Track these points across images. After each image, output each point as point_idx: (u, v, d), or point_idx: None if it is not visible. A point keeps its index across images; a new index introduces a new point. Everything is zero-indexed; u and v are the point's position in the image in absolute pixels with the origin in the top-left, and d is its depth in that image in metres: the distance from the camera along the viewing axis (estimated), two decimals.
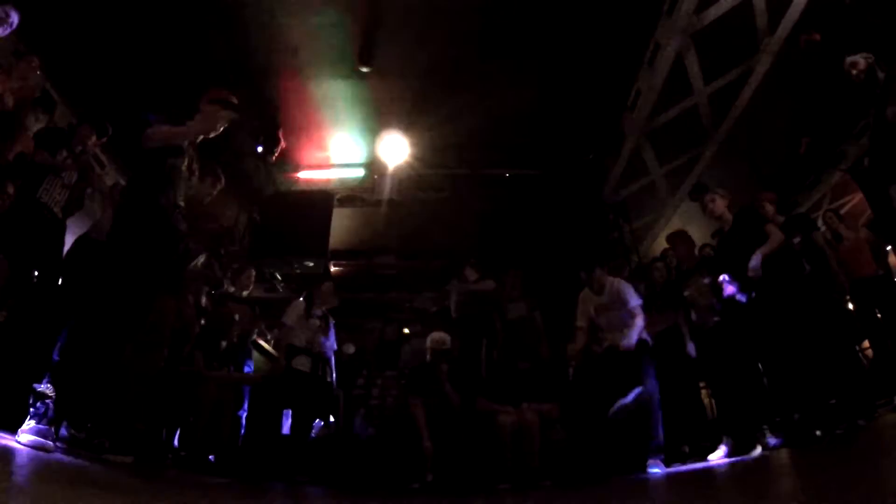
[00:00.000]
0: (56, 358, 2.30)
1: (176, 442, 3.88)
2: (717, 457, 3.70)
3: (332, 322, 4.60)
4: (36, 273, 3.42)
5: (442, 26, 5.73)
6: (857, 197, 6.73)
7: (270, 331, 5.31)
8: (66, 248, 3.60)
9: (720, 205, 3.93)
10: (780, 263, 3.59)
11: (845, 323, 4.06)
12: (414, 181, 7.87)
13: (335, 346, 4.58)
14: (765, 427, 3.72)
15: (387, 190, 7.74)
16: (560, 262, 6.94)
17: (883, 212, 3.43)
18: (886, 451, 2.19)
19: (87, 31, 5.03)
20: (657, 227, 8.12)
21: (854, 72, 3.50)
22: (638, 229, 8.15)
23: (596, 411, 4.17)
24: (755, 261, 3.46)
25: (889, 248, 4.65)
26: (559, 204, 7.45)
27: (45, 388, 2.16)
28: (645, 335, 4.08)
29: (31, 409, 2.14)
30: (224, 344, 4.28)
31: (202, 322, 4.54)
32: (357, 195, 8.10)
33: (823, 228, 4.73)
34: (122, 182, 4.95)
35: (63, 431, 2.23)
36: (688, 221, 8.06)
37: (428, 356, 4.57)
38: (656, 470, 3.56)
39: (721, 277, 3.95)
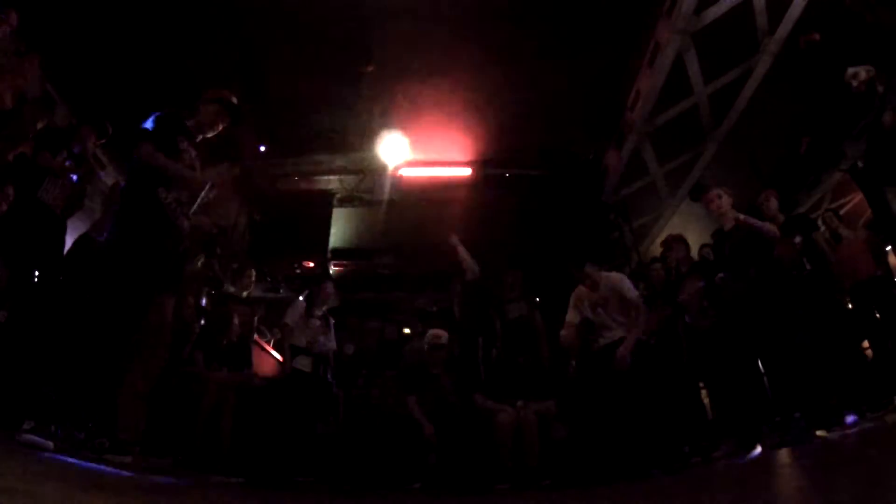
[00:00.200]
0: (56, 358, 2.30)
1: (176, 442, 3.87)
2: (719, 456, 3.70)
3: (332, 322, 4.60)
4: (36, 273, 3.43)
5: (442, 26, 5.74)
6: (857, 197, 6.73)
7: (271, 331, 5.31)
8: (66, 247, 3.60)
9: (726, 202, 3.91)
10: (783, 262, 3.60)
11: (846, 322, 4.04)
12: (414, 181, 7.88)
13: (335, 347, 4.57)
14: (764, 427, 3.73)
15: (387, 190, 7.74)
16: (560, 262, 6.94)
17: (881, 212, 3.47)
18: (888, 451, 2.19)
19: (86, 32, 5.03)
20: (657, 227, 8.13)
21: (855, 83, 3.55)
22: (638, 229, 8.15)
23: (596, 410, 4.17)
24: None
25: (889, 248, 4.65)
26: (559, 204, 7.45)
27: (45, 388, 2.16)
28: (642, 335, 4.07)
29: (32, 409, 2.14)
30: (224, 344, 4.28)
31: (202, 322, 4.54)
32: (357, 195, 8.11)
33: (823, 228, 4.73)
34: (122, 182, 4.94)
35: (63, 431, 2.23)
36: (688, 221, 8.06)
37: (425, 353, 4.59)
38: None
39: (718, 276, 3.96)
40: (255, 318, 5.04)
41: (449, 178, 8.04)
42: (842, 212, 6.56)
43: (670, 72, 5.81)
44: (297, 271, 7.60)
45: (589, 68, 6.33)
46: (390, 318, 9.02)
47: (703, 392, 4.68)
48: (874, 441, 2.51)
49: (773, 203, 4.14)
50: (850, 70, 3.56)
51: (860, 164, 3.65)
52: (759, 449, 3.52)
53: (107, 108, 4.46)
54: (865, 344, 4.42)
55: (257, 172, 7.81)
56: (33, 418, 2.14)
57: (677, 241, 4.76)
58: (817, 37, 4.45)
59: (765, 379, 4.06)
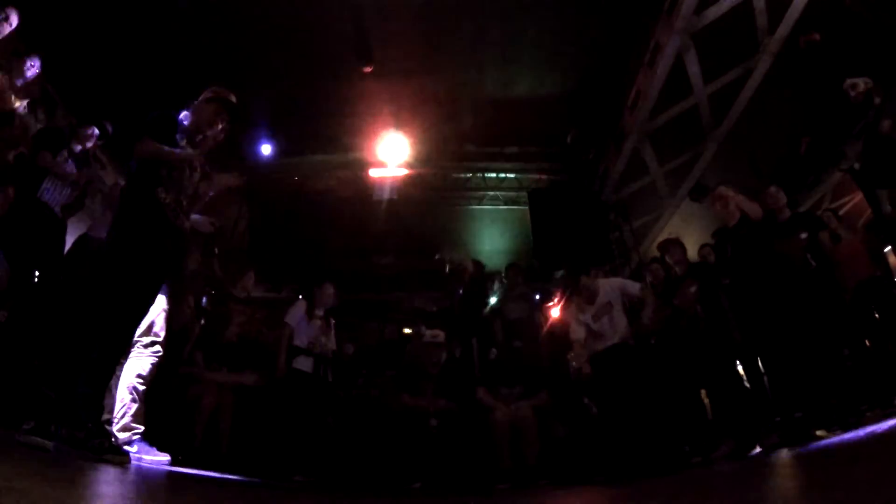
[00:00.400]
0: (57, 358, 2.30)
1: (176, 442, 3.87)
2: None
3: (332, 322, 4.60)
4: (36, 273, 3.43)
5: (441, 26, 5.74)
6: (857, 197, 6.72)
7: (271, 331, 5.31)
8: (66, 247, 3.60)
9: (733, 204, 3.89)
10: (787, 258, 3.61)
11: (848, 321, 4.01)
12: (414, 181, 7.89)
13: (335, 347, 4.57)
14: (764, 427, 3.73)
15: (387, 190, 7.75)
16: (560, 262, 6.94)
17: (878, 213, 3.51)
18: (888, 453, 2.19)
19: (86, 32, 5.04)
20: (657, 227, 8.13)
21: (853, 93, 3.61)
22: (638, 229, 8.15)
23: (597, 410, 4.18)
24: None
25: (888, 248, 4.64)
26: (559, 203, 7.45)
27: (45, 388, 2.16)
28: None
29: (32, 409, 2.14)
30: (224, 344, 4.28)
31: (202, 322, 4.54)
32: (357, 195, 8.11)
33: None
34: (122, 182, 4.94)
35: (63, 431, 2.23)
36: (688, 221, 8.06)
37: (422, 352, 4.62)
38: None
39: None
40: (255, 319, 5.04)
41: (447, 177, 8.05)
42: (842, 212, 6.56)
43: (670, 72, 5.80)
44: (297, 271, 7.59)
45: (589, 68, 6.34)
46: (390, 318, 9.03)
47: (703, 392, 4.68)
48: (874, 441, 2.50)
49: (782, 197, 4.11)
50: (849, 80, 3.62)
51: (857, 165, 3.67)
52: (758, 449, 3.52)
53: (107, 108, 4.47)
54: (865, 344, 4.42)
55: (257, 172, 7.82)
56: (33, 418, 2.14)
57: (673, 245, 4.76)
58: (817, 37, 4.46)
59: (765, 379, 4.07)
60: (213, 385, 3.92)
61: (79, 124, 3.90)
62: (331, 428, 4.57)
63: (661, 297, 4.75)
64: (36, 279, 3.44)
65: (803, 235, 3.82)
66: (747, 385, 4.27)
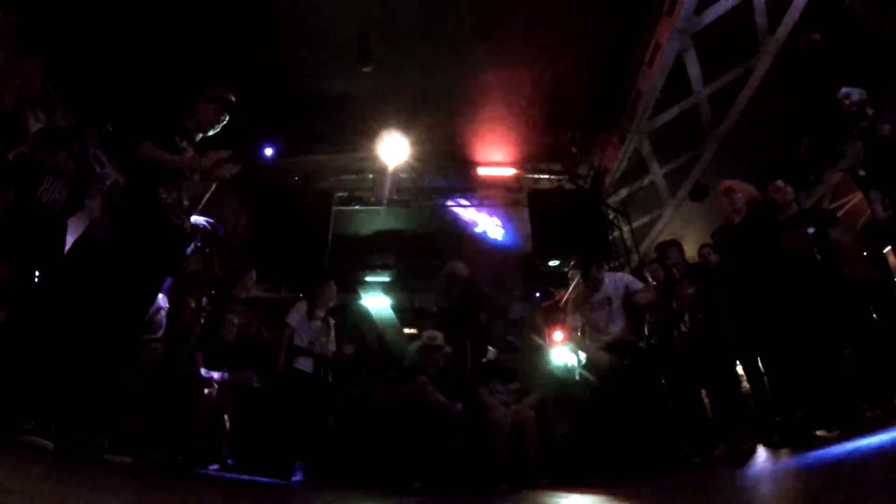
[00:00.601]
0: (56, 358, 2.31)
1: (176, 442, 3.87)
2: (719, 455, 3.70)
3: (332, 322, 4.60)
4: (36, 273, 3.42)
5: (442, 26, 5.74)
6: (857, 197, 6.73)
7: (271, 331, 5.31)
8: (66, 247, 3.60)
9: (739, 199, 3.88)
10: (792, 252, 3.61)
11: (853, 319, 3.98)
12: (414, 181, 7.89)
13: (335, 348, 4.57)
14: (764, 427, 3.73)
15: (387, 190, 7.74)
16: (560, 262, 6.96)
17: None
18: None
19: (86, 32, 5.04)
20: (657, 227, 8.13)
21: (846, 102, 3.64)
22: (638, 229, 8.15)
23: (597, 409, 4.18)
24: None
25: (888, 249, 4.64)
26: (559, 203, 7.45)
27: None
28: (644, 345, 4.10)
29: (32, 409, 2.14)
30: (224, 344, 4.28)
31: (202, 322, 4.54)
32: (357, 195, 8.11)
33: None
34: (122, 182, 4.95)
35: (63, 431, 2.23)
36: (688, 221, 8.07)
37: (420, 353, 4.61)
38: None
39: None
40: (255, 319, 5.04)
41: (449, 177, 8.05)
42: (842, 212, 6.57)
43: (670, 72, 5.80)
44: (298, 271, 7.59)
45: (589, 68, 6.34)
46: None
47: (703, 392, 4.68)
48: (873, 441, 2.50)
49: (790, 191, 4.09)
50: (844, 90, 3.66)
51: (862, 172, 3.69)
52: (759, 449, 3.52)
53: (107, 108, 4.46)
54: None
55: (258, 172, 7.82)
56: (33, 418, 2.14)
57: (670, 247, 4.76)
58: (817, 37, 4.47)
59: (765, 379, 4.07)
60: (214, 385, 3.92)
61: (79, 124, 3.90)
62: (331, 428, 4.57)
63: (662, 297, 4.76)
64: (36, 279, 3.44)
65: (811, 230, 3.80)
66: (747, 385, 4.28)
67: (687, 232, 8.11)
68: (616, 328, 4.14)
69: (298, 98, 6.63)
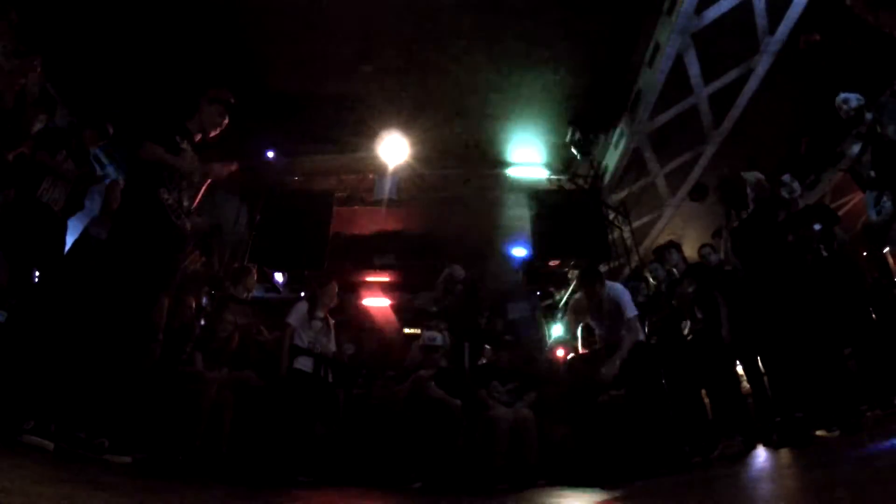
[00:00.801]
0: (56, 358, 2.31)
1: (176, 442, 3.87)
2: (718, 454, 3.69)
3: (332, 323, 4.60)
4: (36, 273, 3.42)
5: (440, 26, 5.74)
6: (857, 197, 6.73)
7: (272, 331, 5.30)
8: (66, 247, 3.60)
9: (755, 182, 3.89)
10: (799, 250, 3.61)
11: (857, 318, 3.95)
12: (414, 181, 7.88)
13: (335, 348, 4.58)
14: (764, 427, 3.73)
15: (387, 190, 7.74)
16: (560, 262, 6.96)
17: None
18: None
19: (86, 32, 5.03)
20: (657, 227, 8.13)
21: (845, 107, 3.65)
22: (638, 229, 8.15)
23: (597, 410, 4.18)
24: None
25: (887, 249, 4.64)
26: (559, 203, 7.45)
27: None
28: (641, 336, 4.08)
29: (32, 409, 2.14)
30: (224, 344, 4.27)
31: (202, 322, 4.54)
32: (357, 195, 8.11)
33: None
34: (122, 182, 4.95)
35: (63, 431, 2.23)
36: (688, 221, 8.07)
37: (419, 354, 4.62)
38: None
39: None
40: (256, 319, 5.03)
41: (448, 177, 8.04)
42: (842, 212, 6.57)
43: (670, 72, 5.80)
44: (298, 271, 7.59)
45: (589, 68, 6.33)
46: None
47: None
48: (873, 441, 2.50)
49: (796, 187, 4.08)
50: (842, 96, 3.69)
51: (872, 174, 3.69)
52: (759, 449, 3.52)
53: (107, 108, 4.47)
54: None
55: (258, 172, 7.82)
56: (33, 418, 2.14)
57: (668, 251, 4.77)
58: (817, 37, 4.46)
59: (765, 379, 4.07)
60: (213, 385, 3.91)
61: (79, 124, 3.90)
62: (331, 428, 4.57)
63: (662, 297, 4.76)
64: (36, 279, 3.44)
65: (817, 227, 3.80)
66: (747, 385, 4.28)
67: (687, 232, 8.12)
68: (609, 334, 4.13)
69: (299, 98, 6.63)
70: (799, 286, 3.50)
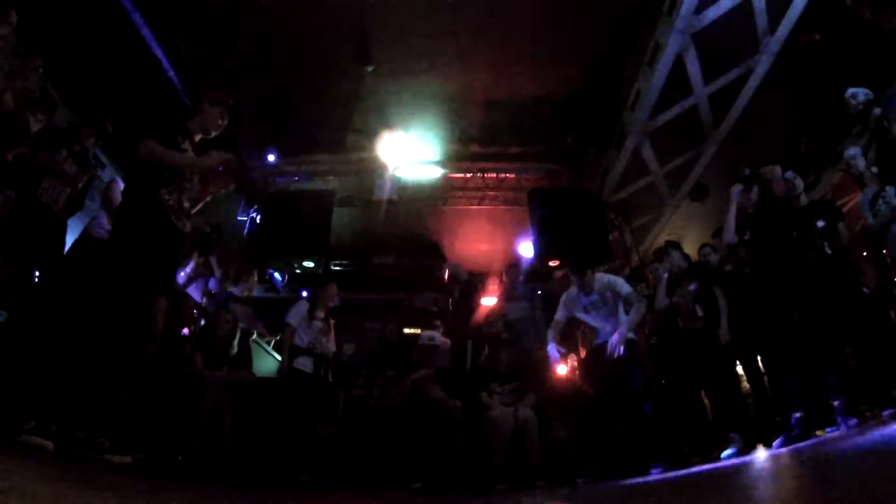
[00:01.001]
0: (56, 358, 2.31)
1: (175, 442, 3.87)
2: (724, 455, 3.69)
3: (332, 323, 4.60)
4: (36, 273, 3.43)
5: (442, 27, 5.74)
6: (857, 197, 6.72)
7: (271, 331, 5.31)
8: (67, 247, 3.60)
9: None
10: (801, 246, 3.61)
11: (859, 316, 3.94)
12: (414, 181, 7.88)
13: (335, 349, 4.58)
14: (764, 427, 3.73)
15: (387, 190, 7.74)
16: (561, 262, 6.94)
17: None
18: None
19: (86, 32, 5.03)
20: (657, 227, 8.12)
21: (853, 102, 3.66)
22: (638, 229, 8.15)
23: (597, 409, 4.18)
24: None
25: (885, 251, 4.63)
26: (559, 203, 7.44)
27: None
28: (632, 334, 4.09)
29: (32, 409, 2.14)
30: (223, 344, 4.27)
31: (202, 322, 4.54)
32: (357, 195, 8.10)
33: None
34: (122, 182, 4.95)
35: (63, 431, 2.23)
36: (688, 221, 8.06)
37: (417, 354, 4.63)
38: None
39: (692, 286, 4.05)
40: (256, 319, 5.04)
41: (448, 177, 8.05)
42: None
43: (670, 72, 5.80)
44: (298, 271, 7.59)
45: (589, 68, 6.34)
46: (390, 318, 9.04)
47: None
48: (873, 441, 2.51)
49: (798, 183, 4.07)
50: (850, 90, 3.70)
51: (874, 169, 3.69)
52: (759, 449, 3.52)
53: (107, 108, 4.46)
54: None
55: (258, 172, 7.82)
56: (33, 418, 2.14)
57: (666, 252, 4.77)
58: (817, 37, 4.46)
59: (765, 379, 4.07)
60: (213, 385, 3.91)
61: (78, 124, 3.90)
62: (331, 428, 4.57)
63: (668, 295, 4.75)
64: (36, 279, 3.44)
65: (820, 224, 3.79)
66: (747, 385, 4.28)
67: (687, 232, 8.11)
68: (609, 326, 4.14)
69: (299, 98, 6.63)
70: (801, 285, 3.50)
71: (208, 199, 2.95)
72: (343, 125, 7.18)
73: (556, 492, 3.47)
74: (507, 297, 5.56)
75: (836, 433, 3.09)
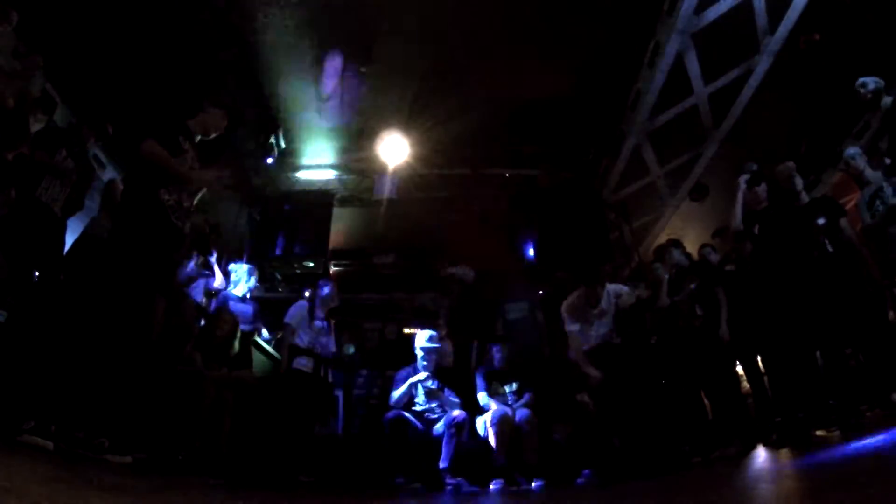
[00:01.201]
0: (56, 358, 2.31)
1: (175, 442, 3.87)
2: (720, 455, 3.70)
3: (332, 323, 4.60)
4: (36, 273, 3.42)
5: (441, 25, 5.74)
6: (857, 197, 6.72)
7: (271, 331, 5.31)
8: (66, 247, 3.60)
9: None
10: (802, 244, 3.61)
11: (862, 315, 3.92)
12: (414, 181, 7.88)
13: (334, 348, 4.58)
14: (764, 427, 3.73)
15: (387, 190, 7.74)
16: (561, 262, 6.95)
17: None
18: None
19: (86, 32, 5.03)
20: (657, 227, 8.12)
21: (863, 91, 3.66)
22: (638, 229, 8.15)
23: (597, 409, 4.18)
24: None
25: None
26: (560, 203, 7.45)
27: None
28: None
29: (32, 409, 2.14)
30: (224, 344, 4.27)
31: (202, 322, 4.54)
32: (357, 195, 8.10)
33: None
34: (122, 182, 4.95)
35: (63, 431, 2.23)
36: (688, 221, 8.06)
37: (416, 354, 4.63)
38: None
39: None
40: (255, 319, 5.03)
41: (448, 177, 8.04)
42: None
43: (670, 72, 5.80)
44: (297, 271, 7.59)
45: (589, 68, 6.33)
46: (390, 318, 9.03)
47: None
48: (873, 442, 2.50)
49: (799, 181, 4.07)
50: (861, 80, 3.71)
51: (888, 160, 3.68)
52: (759, 449, 3.52)
53: (107, 108, 4.46)
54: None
55: (257, 173, 7.81)
56: (33, 418, 2.14)
57: (667, 250, 4.77)
58: (817, 37, 4.46)
59: (765, 379, 4.07)
60: (212, 385, 3.91)
61: (78, 124, 3.90)
62: (331, 427, 4.57)
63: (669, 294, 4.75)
64: (36, 279, 3.44)
65: (821, 221, 3.78)
66: (747, 385, 4.28)
67: (687, 232, 8.11)
68: (604, 329, 4.13)
69: (299, 98, 6.63)
70: (803, 284, 3.49)
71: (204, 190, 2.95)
72: (344, 125, 7.18)
73: (555, 492, 3.47)
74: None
75: (836, 433, 3.09)
